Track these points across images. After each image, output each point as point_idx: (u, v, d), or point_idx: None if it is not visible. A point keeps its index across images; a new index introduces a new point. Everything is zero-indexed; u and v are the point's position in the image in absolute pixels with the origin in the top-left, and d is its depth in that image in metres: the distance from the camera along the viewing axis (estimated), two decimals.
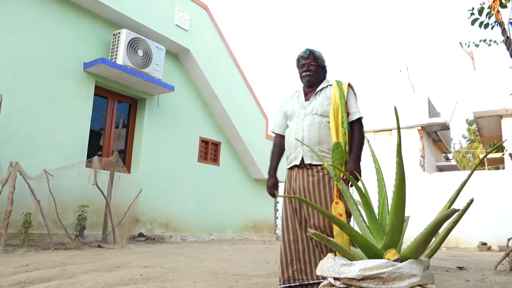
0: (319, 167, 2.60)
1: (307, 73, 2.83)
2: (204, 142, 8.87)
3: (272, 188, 2.86)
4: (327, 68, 2.97)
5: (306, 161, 2.64)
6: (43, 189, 5.28)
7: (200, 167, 8.59)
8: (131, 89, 7.19)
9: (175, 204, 7.83)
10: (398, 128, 1.38)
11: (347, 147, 2.53)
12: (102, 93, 6.97)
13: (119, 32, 6.57)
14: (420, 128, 15.21)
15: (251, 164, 9.77)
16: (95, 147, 6.95)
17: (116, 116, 7.21)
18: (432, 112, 15.78)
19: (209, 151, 8.95)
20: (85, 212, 5.71)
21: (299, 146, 2.68)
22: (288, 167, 2.79)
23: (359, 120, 2.68)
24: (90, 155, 6.37)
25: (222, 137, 9.31)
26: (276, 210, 11.01)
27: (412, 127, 15.18)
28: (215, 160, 9.16)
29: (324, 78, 2.93)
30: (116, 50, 6.53)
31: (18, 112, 5.50)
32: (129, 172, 7.10)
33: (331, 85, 2.82)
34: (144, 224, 7.18)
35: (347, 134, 2.55)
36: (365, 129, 2.74)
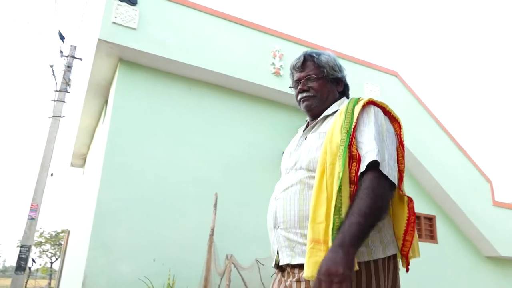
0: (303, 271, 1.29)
1: (304, 94, 1.61)
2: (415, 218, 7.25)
3: None
4: (346, 81, 1.67)
5: (282, 261, 1.45)
6: (255, 279, 5.50)
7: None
8: None
9: None
10: None
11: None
12: None
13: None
14: None
15: (479, 239, 8.21)
16: None
17: None
18: None
19: (422, 227, 7.95)
20: None
21: (273, 230, 1.53)
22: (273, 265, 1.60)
23: (373, 167, 1.27)
24: None
25: (436, 210, 8.20)
26: None
27: None
28: (432, 237, 8.04)
29: (339, 98, 1.64)
30: None
31: (229, 206, 6.00)
32: None
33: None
34: None
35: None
36: None
